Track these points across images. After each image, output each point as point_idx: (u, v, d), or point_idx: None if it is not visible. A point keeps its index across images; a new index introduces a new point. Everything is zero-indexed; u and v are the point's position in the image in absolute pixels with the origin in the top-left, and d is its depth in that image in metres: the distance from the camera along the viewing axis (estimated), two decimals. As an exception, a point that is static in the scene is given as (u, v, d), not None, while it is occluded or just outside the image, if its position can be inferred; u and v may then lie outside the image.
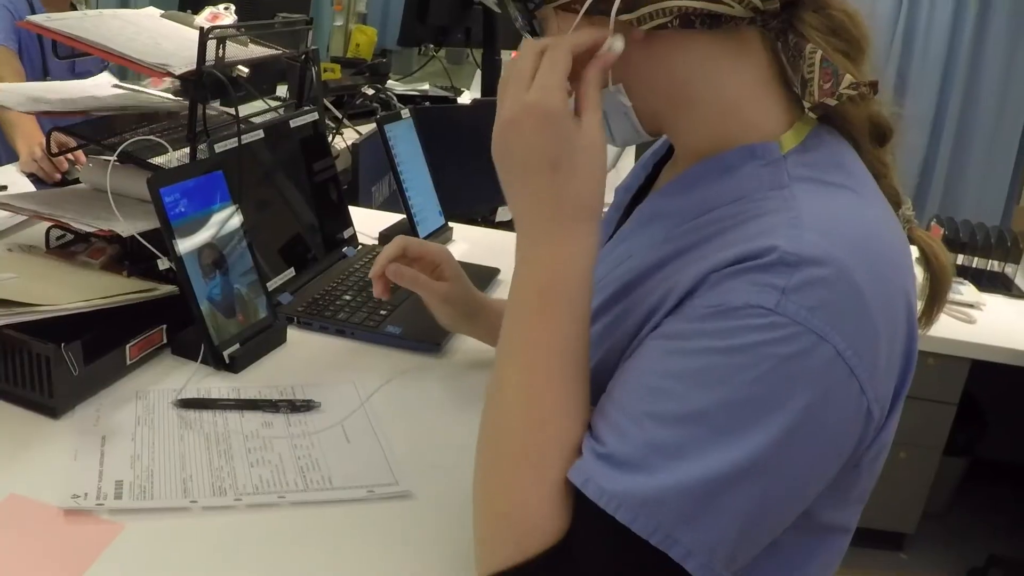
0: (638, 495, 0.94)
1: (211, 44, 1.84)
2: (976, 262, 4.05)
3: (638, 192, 1.39)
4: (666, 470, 0.94)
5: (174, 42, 2.01)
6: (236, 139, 1.89)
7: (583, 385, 1.06)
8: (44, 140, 3.21)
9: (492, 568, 1.02)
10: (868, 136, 1.16)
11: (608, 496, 0.95)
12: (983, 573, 3.96)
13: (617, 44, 1.09)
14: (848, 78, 1.03)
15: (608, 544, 0.96)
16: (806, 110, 1.08)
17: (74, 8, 4.00)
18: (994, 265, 4.06)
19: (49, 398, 1.48)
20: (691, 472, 0.93)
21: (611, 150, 1.35)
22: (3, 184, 2.87)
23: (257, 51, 2.17)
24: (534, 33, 1.19)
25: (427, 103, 4.47)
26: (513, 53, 4.76)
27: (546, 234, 1.07)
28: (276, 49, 2.23)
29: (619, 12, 1.07)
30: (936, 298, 1.18)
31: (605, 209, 1.30)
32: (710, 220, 1.09)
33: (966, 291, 3.79)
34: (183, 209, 1.65)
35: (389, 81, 4.77)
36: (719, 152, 1.13)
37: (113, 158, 1.83)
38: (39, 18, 1.90)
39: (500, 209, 3.39)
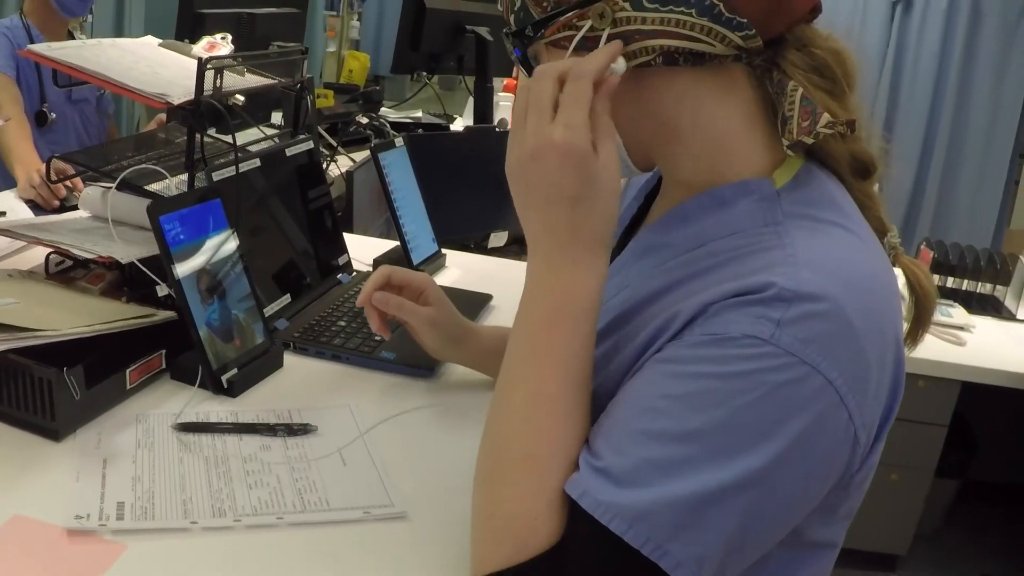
0: (631, 507, 0.97)
1: (209, 74, 1.86)
2: (966, 284, 4.07)
3: (631, 222, 1.42)
4: (659, 485, 0.97)
5: (172, 71, 2.04)
6: (233, 167, 1.91)
7: (586, 399, 1.10)
8: (42, 167, 3.24)
9: (486, 568, 1.06)
10: (849, 171, 1.19)
11: (603, 508, 0.98)
12: (975, 594, 3.98)
13: (619, 65, 1.11)
14: (825, 116, 1.06)
15: (601, 553, 0.99)
16: (784, 147, 1.11)
17: (72, 36, 4.03)
18: (984, 287, 4.08)
19: (51, 421, 1.49)
20: (682, 488, 0.97)
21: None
22: (2, 210, 2.88)
23: (253, 80, 2.19)
24: (528, 67, 1.22)
25: (420, 130, 4.49)
26: (506, 80, 4.78)
27: (561, 261, 1.10)
28: (272, 78, 2.25)
29: None
30: (920, 321, 1.21)
31: None
32: (706, 253, 1.13)
33: (956, 313, 3.81)
34: (182, 236, 1.67)
35: (382, 108, 4.79)
36: (711, 186, 1.16)
37: (112, 186, 1.85)
38: (40, 47, 1.92)
39: (492, 235, 3.42)
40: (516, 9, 1.18)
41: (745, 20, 1.07)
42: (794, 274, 1.00)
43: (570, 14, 1.13)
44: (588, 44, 1.12)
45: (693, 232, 1.17)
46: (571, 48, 1.14)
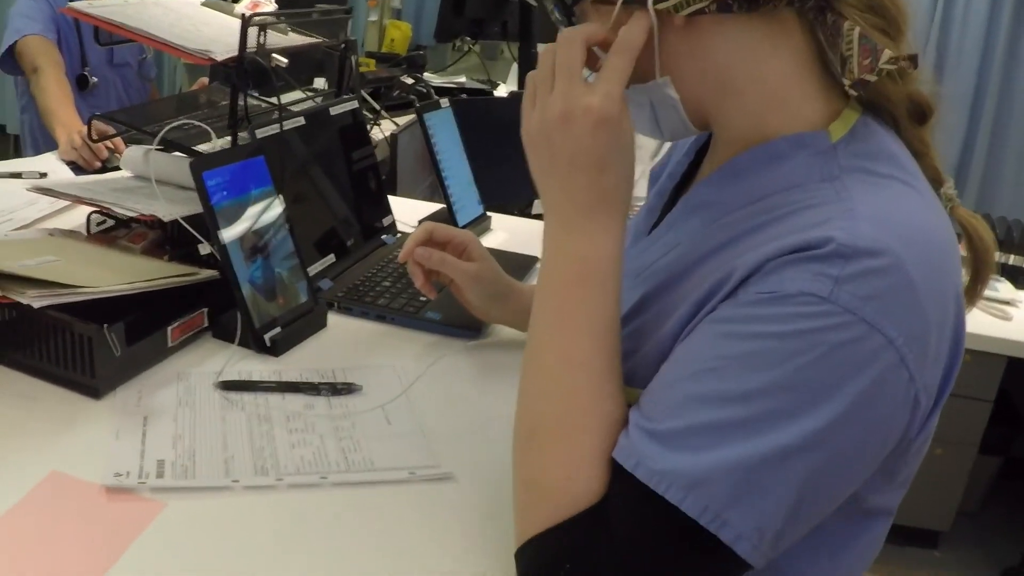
0: (686, 474, 0.96)
1: (252, 30, 1.85)
2: (1013, 259, 4.02)
3: (681, 179, 1.40)
4: (715, 449, 0.96)
5: (215, 29, 2.03)
6: (277, 125, 1.90)
7: (615, 360, 1.10)
8: (83, 128, 3.24)
9: (529, 532, 1.05)
10: (908, 115, 1.17)
11: (658, 476, 0.97)
12: (1018, 572, 3.94)
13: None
14: (887, 53, 1.04)
15: (651, 520, 0.98)
16: (846, 87, 1.08)
17: (113, -1, 4.03)
18: (1031, 263, 4.04)
19: (91, 378, 1.49)
20: (739, 452, 0.95)
21: (655, 143, 1.36)
22: (43, 171, 2.89)
23: (297, 39, 2.18)
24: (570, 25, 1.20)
25: (464, 95, 4.48)
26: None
27: (582, 226, 1.12)
28: (315, 38, 2.24)
29: (656, 0, 1.09)
30: (979, 277, 1.19)
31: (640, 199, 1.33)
32: (762, 208, 1.11)
33: (1002, 288, 3.78)
34: (225, 193, 1.66)
35: (425, 75, 4.78)
36: (765, 140, 1.14)
37: (155, 145, 1.84)
38: (81, 5, 1.91)
39: (536, 202, 3.40)
40: None
41: None
42: (853, 228, 0.98)
43: None
44: None
45: (748, 187, 1.15)
46: (619, 2, 1.11)
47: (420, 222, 2.33)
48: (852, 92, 1.08)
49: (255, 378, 1.59)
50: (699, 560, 0.98)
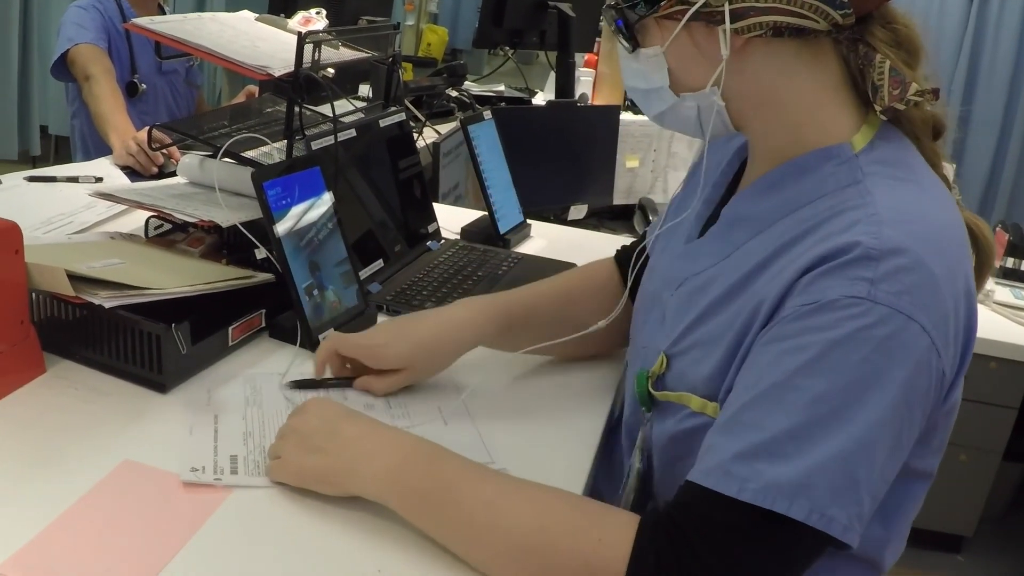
0: (786, 482, 1.04)
1: (308, 47, 1.93)
2: (1041, 267, 4.05)
3: (725, 191, 1.50)
4: (804, 453, 1.05)
5: (271, 44, 2.10)
6: (331, 137, 1.98)
7: (494, 484, 1.26)
8: (136, 134, 3.31)
9: None
10: (926, 131, 1.29)
11: (762, 494, 1.05)
12: (1042, 577, 3.97)
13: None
14: (914, 86, 1.17)
15: (752, 533, 1.06)
16: (878, 112, 1.21)
17: (161, 9, 4.10)
18: (1058, 271, 4.06)
19: (158, 374, 1.55)
20: (825, 451, 1.04)
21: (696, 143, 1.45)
22: (99, 176, 2.97)
23: (347, 54, 2.25)
24: (634, 42, 1.30)
25: (503, 104, 4.55)
26: (587, 56, 4.82)
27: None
28: (365, 52, 2.31)
29: (721, 23, 1.20)
30: (982, 271, 1.29)
31: (675, 194, 1.43)
32: (796, 220, 1.22)
33: (1029, 296, 3.81)
34: (283, 202, 1.73)
35: (465, 83, 4.85)
36: (795, 155, 1.26)
37: (219, 156, 1.91)
38: (143, 21, 1.99)
39: (572, 208, 3.46)
40: None
41: (847, 0, 1.16)
42: (877, 232, 1.09)
43: None
44: (701, 17, 1.22)
45: (780, 200, 1.26)
46: (683, 20, 1.23)
47: (463, 229, 2.40)
48: (883, 117, 1.23)
49: (309, 377, 1.64)
50: (805, 556, 1.08)
